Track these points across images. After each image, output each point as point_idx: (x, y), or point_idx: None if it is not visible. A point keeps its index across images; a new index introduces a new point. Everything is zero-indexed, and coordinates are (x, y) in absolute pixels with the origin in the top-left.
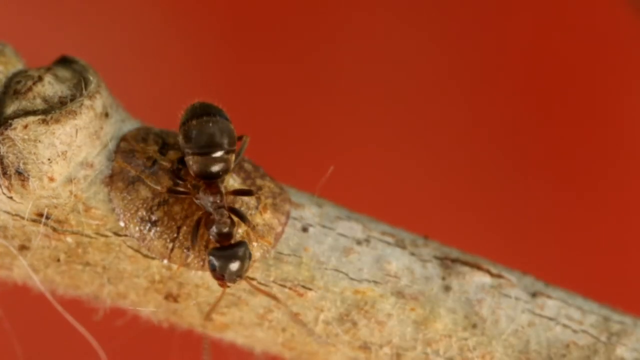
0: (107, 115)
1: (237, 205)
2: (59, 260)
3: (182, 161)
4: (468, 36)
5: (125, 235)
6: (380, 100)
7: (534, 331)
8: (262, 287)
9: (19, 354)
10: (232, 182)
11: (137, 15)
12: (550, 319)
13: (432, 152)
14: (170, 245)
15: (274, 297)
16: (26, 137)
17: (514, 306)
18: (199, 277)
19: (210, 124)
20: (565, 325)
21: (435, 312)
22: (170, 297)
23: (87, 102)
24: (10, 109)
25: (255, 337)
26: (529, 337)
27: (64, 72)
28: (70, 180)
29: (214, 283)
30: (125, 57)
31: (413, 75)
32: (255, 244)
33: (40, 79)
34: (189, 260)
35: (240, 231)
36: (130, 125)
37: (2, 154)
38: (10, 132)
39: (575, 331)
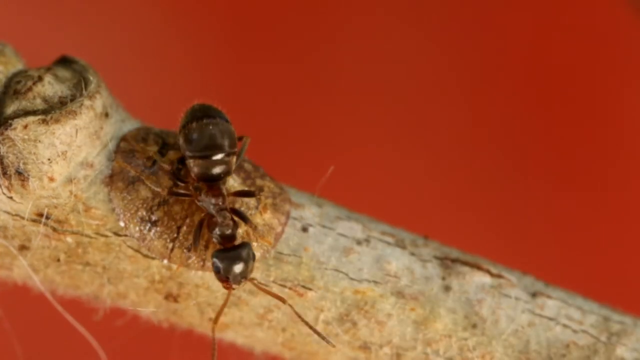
0: (107, 115)
1: (237, 205)
2: (59, 260)
3: (182, 161)
4: (468, 36)
5: (125, 235)
6: (380, 100)
7: (534, 331)
8: (266, 288)
9: (19, 354)
10: (232, 182)
11: (137, 15)
12: (550, 319)
13: (432, 152)
14: (170, 245)
15: (279, 298)
16: (26, 137)
17: (514, 306)
18: (199, 277)
19: (211, 127)
20: (565, 325)
21: (435, 312)
22: (170, 297)
23: (87, 102)
24: (10, 109)
25: (255, 337)
26: (529, 337)
27: (64, 72)
28: (70, 180)
29: (214, 283)
30: (125, 57)
31: (413, 75)
32: (255, 244)
33: (40, 79)
34: (189, 260)
35: (239, 231)
36: (130, 125)
37: (2, 154)
38: (10, 132)
39: (575, 331)
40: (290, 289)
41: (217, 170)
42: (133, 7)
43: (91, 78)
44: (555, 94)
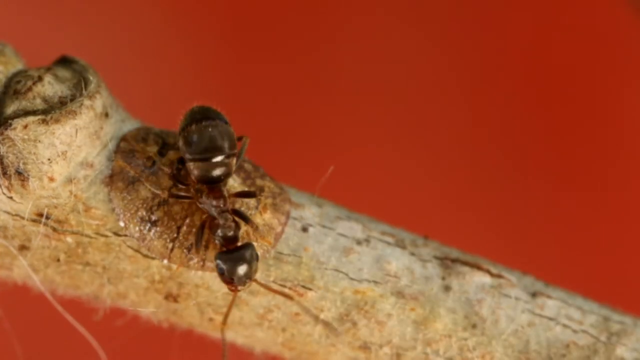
0: (107, 115)
1: (237, 206)
2: (59, 260)
3: (182, 161)
4: (468, 36)
5: (125, 235)
6: (380, 100)
7: (534, 331)
8: (274, 287)
9: (19, 354)
10: (232, 182)
11: (137, 15)
12: (550, 319)
13: (432, 152)
14: (170, 245)
15: (286, 295)
16: (26, 137)
17: (514, 306)
18: (199, 277)
19: (210, 129)
20: (565, 325)
21: (435, 312)
22: (170, 297)
23: (87, 102)
24: (10, 109)
25: (255, 337)
26: (529, 337)
27: (64, 72)
28: (70, 180)
29: (214, 283)
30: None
31: (413, 75)
32: (255, 244)
33: (40, 79)
34: (189, 260)
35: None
36: (130, 125)
37: (2, 154)
38: (10, 132)
39: (575, 331)
40: (290, 289)
41: (217, 172)
42: (133, 7)
43: (91, 78)
44: (555, 94)
